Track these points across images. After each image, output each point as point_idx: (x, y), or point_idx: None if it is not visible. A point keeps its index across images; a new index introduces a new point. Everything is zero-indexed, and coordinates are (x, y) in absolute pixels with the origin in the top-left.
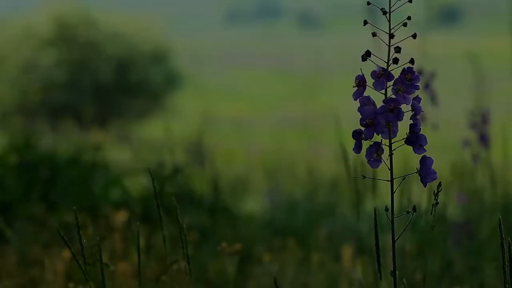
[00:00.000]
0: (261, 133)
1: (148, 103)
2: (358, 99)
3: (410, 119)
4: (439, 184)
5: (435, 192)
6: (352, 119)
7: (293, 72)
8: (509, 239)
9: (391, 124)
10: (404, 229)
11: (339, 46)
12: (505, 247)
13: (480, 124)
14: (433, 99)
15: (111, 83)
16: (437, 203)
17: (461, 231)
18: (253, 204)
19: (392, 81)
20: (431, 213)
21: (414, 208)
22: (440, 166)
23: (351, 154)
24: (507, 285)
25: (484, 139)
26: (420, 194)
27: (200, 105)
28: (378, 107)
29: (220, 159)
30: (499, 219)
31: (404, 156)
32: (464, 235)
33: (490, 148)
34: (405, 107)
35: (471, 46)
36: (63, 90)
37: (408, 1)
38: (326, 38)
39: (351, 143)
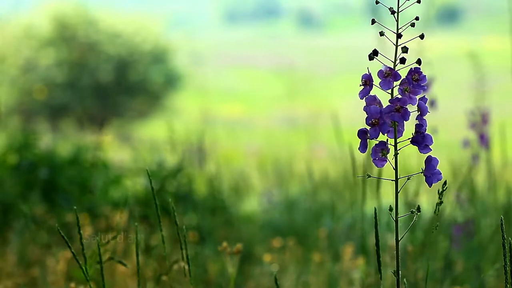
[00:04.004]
0: (261, 133)
1: (148, 103)
2: (364, 98)
3: (416, 119)
4: (444, 183)
5: (440, 191)
6: (352, 119)
7: (293, 72)
8: (510, 239)
9: (397, 123)
10: (408, 229)
11: (338, 46)
12: (506, 247)
13: (480, 124)
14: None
15: (111, 83)
16: (441, 202)
17: (461, 231)
18: (253, 204)
19: (399, 81)
20: (435, 212)
21: (418, 208)
22: (440, 165)
23: (352, 153)
24: (508, 285)
25: (484, 139)
26: (417, 194)
27: (199, 105)
28: (384, 106)
29: (219, 159)
30: (501, 219)
31: (404, 157)
32: (464, 235)
33: (490, 148)
34: (411, 108)
35: (471, 46)
36: (63, 90)
37: (417, 2)
38: (325, 38)
39: (350, 142)
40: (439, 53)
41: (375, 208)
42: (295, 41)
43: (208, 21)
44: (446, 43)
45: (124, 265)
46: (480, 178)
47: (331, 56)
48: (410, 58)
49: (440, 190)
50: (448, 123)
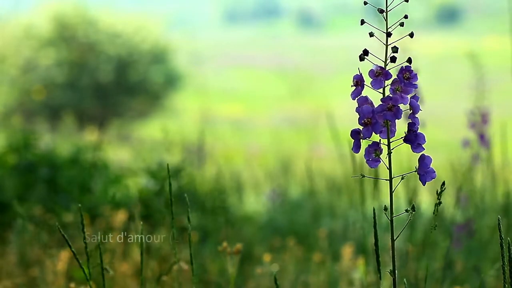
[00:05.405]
0: (261, 133)
1: (148, 103)
2: (356, 98)
3: (408, 118)
4: (443, 184)
5: (438, 192)
6: (351, 119)
7: (293, 72)
8: (508, 239)
9: (389, 123)
10: (403, 228)
11: (338, 46)
12: (504, 247)
13: (480, 124)
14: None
15: (111, 83)
16: (439, 203)
17: (461, 231)
18: (253, 204)
19: (390, 80)
20: (434, 213)
21: (413, 207)
22: (440, 165)
23: (351, 154)
24: (507, 285)
25: (484, 139)
26: (418, 193)
27: (199, 105)
28: (376, 106)
29: (220, 159)
30: (498, 219)
31: (406, 156)
32: (464, 235)
33: (490, 147)
34: (403, 107)
35: (471, 46)
36: (63, 90)
37: (405, 1)
38: (325, 38)
39: (349, 142)
40: (439, 53)
41: (373, 208)
42: (295, 41)
43: (208, 21)
44: (446, 43)
45: (108, 272)
46: (480, 178)
47: (331, 56)
48: (405, 57)
49: (439, 190)
50: (448, 123)
